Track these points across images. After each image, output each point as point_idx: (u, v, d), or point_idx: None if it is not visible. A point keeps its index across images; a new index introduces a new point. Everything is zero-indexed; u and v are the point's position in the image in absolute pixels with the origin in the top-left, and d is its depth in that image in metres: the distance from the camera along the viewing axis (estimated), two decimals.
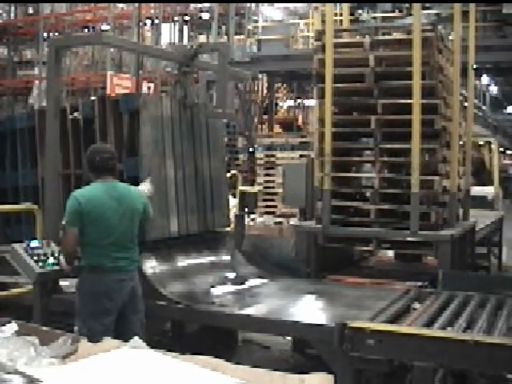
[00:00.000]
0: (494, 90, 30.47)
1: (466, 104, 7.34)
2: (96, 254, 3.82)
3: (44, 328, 2.43)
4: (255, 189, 12.87)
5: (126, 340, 2.20)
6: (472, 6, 6.99)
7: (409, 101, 5.44)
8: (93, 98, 9.39)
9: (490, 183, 12.31)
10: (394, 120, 5.75)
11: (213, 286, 5.20)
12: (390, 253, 7.06)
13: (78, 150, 5.37)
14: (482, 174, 12.87)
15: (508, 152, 19.38)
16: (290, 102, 25.53)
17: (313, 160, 6.34)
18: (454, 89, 6.18)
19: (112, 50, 17.77)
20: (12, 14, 23.62)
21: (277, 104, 23.83)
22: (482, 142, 13.75)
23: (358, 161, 6.34)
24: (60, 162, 5.31)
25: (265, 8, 23.37)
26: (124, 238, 3.90)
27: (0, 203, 6.02)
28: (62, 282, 4.86)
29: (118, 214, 3.84)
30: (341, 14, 7.72)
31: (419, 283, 5.40)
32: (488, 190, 11.96)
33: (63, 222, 3.79)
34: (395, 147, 5.83)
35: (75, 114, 5.43)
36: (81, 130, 5.39)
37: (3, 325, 2.35)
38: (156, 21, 20.05)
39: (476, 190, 11.74)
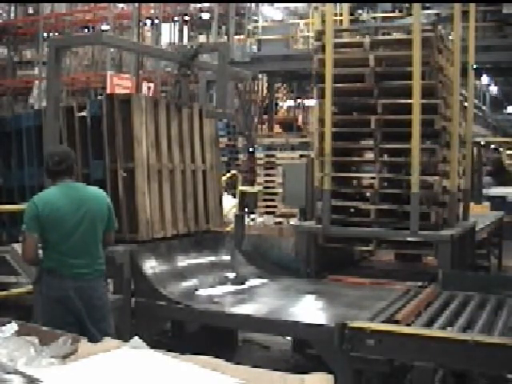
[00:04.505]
0: (493, 90, 30.46)
1: (466, 104, 7.33)
2: (54, 259, 3.70)
3: (44, 328, 2.43)
4: (255, 189, 12.86)
5: None
6: (472, 5, 6.98)
7: (409, 101, 5.44)
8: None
9: (510, 183, 12.03)
10: (393, 120, 5.75)
11: (213, 286, 5.21)
12: (390, 253, 7.06)
13: (85, 149, 5.35)
14: (501, 175, 12.71)
15: (508, 152, 19.38)
16: (290, 102, 25.55)
17: (313, 160, 6.34)
18: (454, 89, 6.18)
19: (112, 50, 17.75)
20: (12, 14, 23.61)
21: (277, 104, 23.84)
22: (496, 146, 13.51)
23: (358, 161, 6.34)
24: None
25: (265, 8, 23.37)
26: (84, 241, 3.74)
27: (7, 203, 6.00)
28: None
29: (76, 217, 3.69)
30: (341, 14, 7.72)
31: (419, 283, 5.40)
32: (508, 191, 11.56)
33: (23, 228, 3.69)
34: (395, 147, 5.83)
35: (83, 112, 5.39)
36: (88, 129, 5.35)
37: (3, 325, 2.34)
38: (156, 21, 20.04)
39: (495, 191, 11.58)
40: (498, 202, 10.65)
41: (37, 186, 5.84)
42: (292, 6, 25.00)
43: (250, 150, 15.95)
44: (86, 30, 22.21)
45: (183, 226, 5.60)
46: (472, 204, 8.47)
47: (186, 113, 5.75)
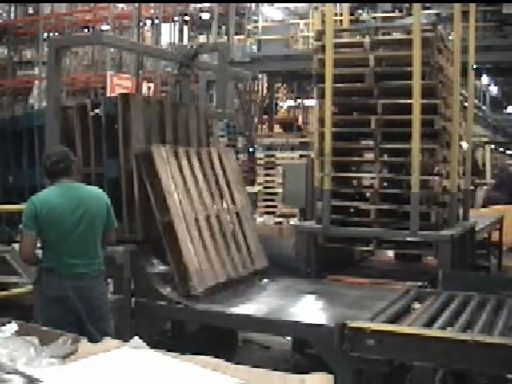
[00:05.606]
0: (493, 89, 30.44)
1: (466, 104, 7.34)
2: (53, 259, 3.71)
3: (44, 328, 2.43)
4: (255, 189, 12.87)
5: None
6: (472, 5, 6.97)
7: (409, 101, 5.44)
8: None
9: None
10: (394, 120, 5.75)
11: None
12: (390, 253, 7.06)
13: (99, 148, 5.27)
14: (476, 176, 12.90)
15: (508, 152, 19.35)
16: (290, 102, 25.52)
17: (313, 160, 6.34)
18: (454, 89, 6.18)
19: (112, 49, 17.75)
20: (12, 14, 23.60)
21: (277, 104, 23.82)
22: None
23: (358, 161, 6.34)
24: (80, 161, 5.13)
25: (265, 8, 23.35)
26: (83, 241, 3.75)
27: (17, 203, 5.98)
28: None
29: (75, 217, 3.70)
30: (341, 14, 7.73)
31: (419, 283, 5.40)
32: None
33: (20, 226, 3.70)
34: (395, 147, 5.83)
35: (97, 110, 5.32)
36: (102, 128, 5.26)
37: (3, 325, 2.34)
38: (156, 21, 20.02)
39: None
40: None
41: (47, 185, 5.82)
42: (292, 5, 24.99)
43: (250, 149, 15.98)
44: (86, 30, 22.19)
45: (232, 269, 5.30)
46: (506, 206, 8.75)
47: (206, 155, 5.53)
